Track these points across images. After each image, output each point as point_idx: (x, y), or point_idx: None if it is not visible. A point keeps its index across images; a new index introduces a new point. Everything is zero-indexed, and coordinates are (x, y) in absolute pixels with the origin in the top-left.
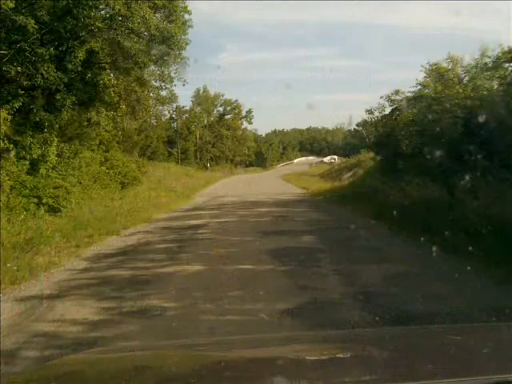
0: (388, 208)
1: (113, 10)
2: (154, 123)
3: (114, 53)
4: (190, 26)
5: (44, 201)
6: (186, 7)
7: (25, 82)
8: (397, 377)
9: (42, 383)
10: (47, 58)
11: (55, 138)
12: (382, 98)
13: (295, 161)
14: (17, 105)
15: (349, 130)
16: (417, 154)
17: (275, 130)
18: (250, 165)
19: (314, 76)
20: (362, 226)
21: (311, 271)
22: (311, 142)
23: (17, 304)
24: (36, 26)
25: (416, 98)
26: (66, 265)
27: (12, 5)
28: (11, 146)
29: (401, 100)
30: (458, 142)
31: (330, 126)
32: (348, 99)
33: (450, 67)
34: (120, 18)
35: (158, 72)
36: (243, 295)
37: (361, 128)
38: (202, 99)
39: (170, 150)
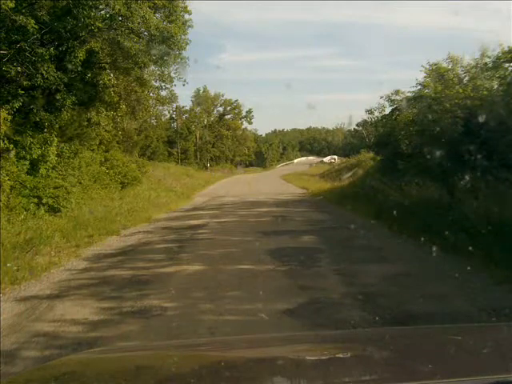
0: (388, 208)
1: (113, 9)
2: (154, 123)
3: (113, 53)
4: (190, 26)
5: (44, 201)
6: (185, 7)
7: (25, 82)
8: (397, 377)
9: (41, 383)
10: (47, 57)
11: (55, 138)
12: (381, 98)
13: (295, 161)
14: (17, 105)
15: (349, 130)
16: (417, 154)
17: (275, 129)
18: (250, 165)
19: (314, 76)
20: (361, 226)
21: (311, 271)
22: (311, 142)
23: (17, 304)
24: (36, 26)
25: (416, 98)
26: (66, 265)
27: (12, 5)
28: (11, 146)
29: (401, 100)
30: (458, 142)
31: (330, 126)
32: (348, 99)
33: (449, 67)
34: (120, 18)
35: (158, 72)
36: (243, 295)
37: (361, 128)
38: (202, 99)
39: (170, 149)
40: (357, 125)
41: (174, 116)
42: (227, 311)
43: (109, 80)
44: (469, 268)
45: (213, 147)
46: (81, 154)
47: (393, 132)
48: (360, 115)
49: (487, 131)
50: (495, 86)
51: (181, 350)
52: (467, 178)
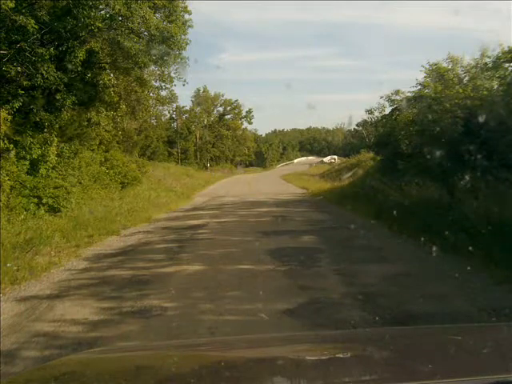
0: (388, 208)
1: (113, 10)
2: (154, 123)
3: (113, 53)
4: (190, 26)
5: (44, 201)
6: (185, 7)
7: (25, 82)
8: (397, 377)
9: (41, 383)
10: (47, 57)
11: (55, 138)
12: (381, 98)
13: (295, 161)
14: (17, 105)
15: (349, 130)
16: (417, 154)
17: (275, 129)
18: (250, 165)
19: (314, 76)
20: (361, 226)
21: (311, 271)
22: (311, 142)
23: (17, 304)
24: (36, 26)
25: (416, 98)
26: (66, 265)
27: (12, 5)
28: (11, 146)
29: (401, 100)
30: (458, 142)
31: (330, 126)
32: (348, 99)
33: (449, 67)
34: (120, 18)
35: (157, 72)
36: (243, 295)
37: (361, 128)
38: (202, 99)
39: (169, 149)
40: (357, 125)
41: (174, 116)
42: (227, 311)
43: (109, 80)
44: (469, 268)
45: (213, 147)
46: (81, 154)
47: (393, 132)
48: (360, 115)
49: (487, 131)
50: (495, 86)
51: (181, 350)
52: (467, 177)
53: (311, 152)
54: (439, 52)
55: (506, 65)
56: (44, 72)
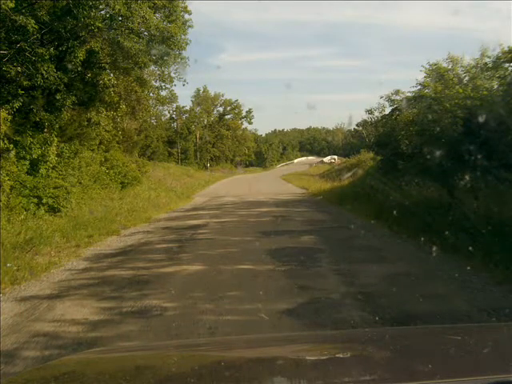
0: (388, 208)
1: (113, 10)
2: (154, 123)
3: (113, 53)
4: (190, 26)
5: (44, 201)
6: (185, 7)
7: (25, 82)
8: (397, 377)
9: (41, 383)
10: (47, 57)
11: (55, 138)
12: (382, 97)
13: (295, 161)
14: (17, 105)
15: (349, 130)
16: (417, 154)
17: (275, 129)
18: (250, 165)
19: (314, 76)
20: (361, 226)
21: (311, 271)
22: (311, 142)
23: (17, 304)
24: (36, 26)
25: (416, 98)
26: (66, 265)
27: (12, 5)
28: (11, 146)
29: (401, 100)
30: (458, 142)
31: (330, 126)
32: (348, 99)
33: (449, 67)
34: (120, 18)
35: (157, 72)
36: (243, 295)
37: (361, 128)
38: (202, 99)
39: (170, 149)
40: (357, 125)
41: (174, 116)
42: (227, 311)
43: (109, 80)
44: (469, 268)
45: (213, 147)
46: (81, 154)
47: (393, 132)
48: (360, 115)
49: (487, 131)
50: (495, 86)
51: (181, 350)
52: (467, 177)
53: (311, 152)
54: (439, 52)
55: (506, 65)
56: (44, 72)
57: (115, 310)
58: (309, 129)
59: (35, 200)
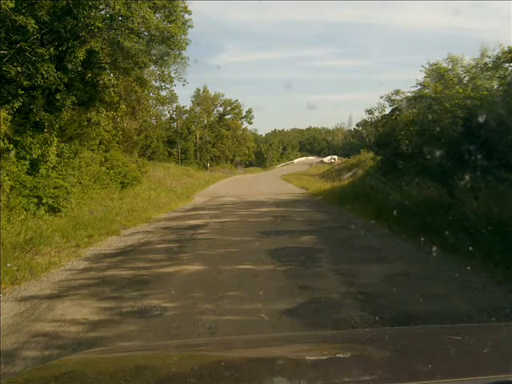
0: (388, 208)
1: (113, 10)
2: (154, 123)
3: (113, 53)
4: (190, 26)
5: (44, 201)
6: (185, 7)
7: (25, 82)
8: (397, 377)
9: (41, 383)
10: (47, 58)
11: (55, 138)
12: (382, 97)
13: (295, 161)
14: (17, 105)
15: (349, 130)
16: (417, 154)
17: (275, 129)
18: (250, 165)
19: (314, 76)
20: (361, 226)
21: (311, 271)
22: (311, 142)
23: (17, 304)
24: (36, 26)
25: (416, 98)
26: (66, 265)
27: (12, 5)
28: (11, 146)
29: (401, 100)
30: (458, 142)
31: (330, 126)
32: (348, 99)
33: (449, 67)
34: (120, 18)
35: (157, 72)
36: (243, 295)
37: (361, 128)
38: (202, 99)
39: (170, 150)
40: (357, 125)
41: (174, 116)
42: (227, 311)
43: (109, 80)
44: (468, 268)
45: (213, 147)
46: (81, 154)
47: (393, 132)
48: (360, 115)
49: (487, 131)
50: (495, 86)
51: (181, 350)
52: (467, 177)
53: (311, 152)
54: (439, 52)
55: (506, 65)
56: (44, 72)
57: (115, 310)
58: (309, 129)
59: (35, 200)
